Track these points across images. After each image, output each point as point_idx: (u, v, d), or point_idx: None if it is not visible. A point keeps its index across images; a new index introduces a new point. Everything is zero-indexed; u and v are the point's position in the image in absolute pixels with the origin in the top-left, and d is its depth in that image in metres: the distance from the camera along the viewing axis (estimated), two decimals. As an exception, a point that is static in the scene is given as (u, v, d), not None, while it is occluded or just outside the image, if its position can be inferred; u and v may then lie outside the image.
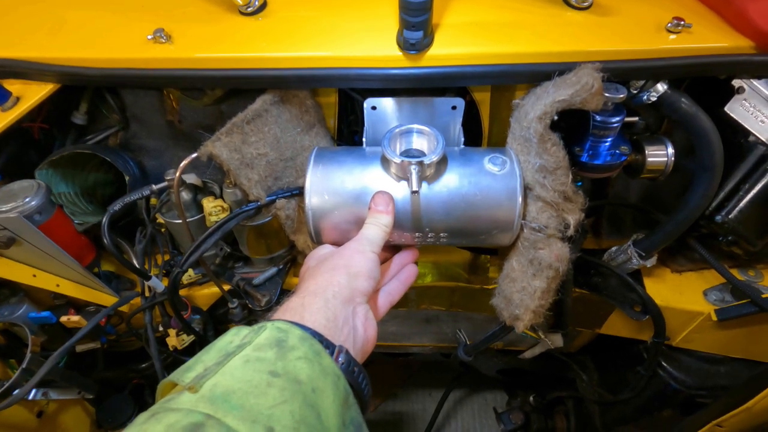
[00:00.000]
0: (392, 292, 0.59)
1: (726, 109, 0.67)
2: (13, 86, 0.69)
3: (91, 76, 0.66)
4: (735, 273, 0.80)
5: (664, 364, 0.86)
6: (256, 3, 0.67)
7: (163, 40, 0.65)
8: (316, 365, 0.37)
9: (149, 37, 0.64)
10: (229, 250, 0.81)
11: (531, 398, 1.33)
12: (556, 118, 0.53)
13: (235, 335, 0.39)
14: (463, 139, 0.66)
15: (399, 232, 0.59)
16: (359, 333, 0.47)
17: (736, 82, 0.65)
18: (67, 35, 0.69)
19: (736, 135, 0.70)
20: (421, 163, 0.53)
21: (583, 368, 1.09)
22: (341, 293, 0.47)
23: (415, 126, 0.57)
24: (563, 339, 0.85)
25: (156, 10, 0.70)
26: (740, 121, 0.68)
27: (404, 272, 0.61)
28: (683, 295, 0.79)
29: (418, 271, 0.63)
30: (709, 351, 0.84)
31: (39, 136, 0.82)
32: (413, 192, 0.52)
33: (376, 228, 0.54)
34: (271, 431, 0.31)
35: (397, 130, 0.56)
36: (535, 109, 0.54)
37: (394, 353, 1.26)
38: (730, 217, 0.69)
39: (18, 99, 0.69)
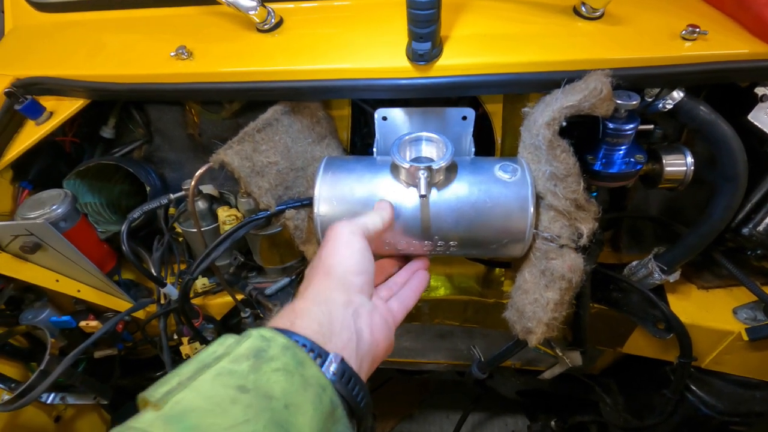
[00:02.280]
0: (404, 297, 0.56)
1: (749, 117, 0.64)
2: (47, 102, 0.74)
3: (117, 91, 0.70)
4: (767, 290, 0.75)
5: (694, 388, 0.81)
6: (273, 20, 0.69)
7: (185, 57, 0.68)
8: (296, 377, 0.34)
9: (172, 54, 0.68)
10: (242, 260, 0.82)
11: (552, 423, 1.27)
12: (564, 124, 0.52)
13: (219, 344, 0.36)
14: (473, 150, 0.66)
15: (408, 241, 0.59)
16: (364, 337, 0.43)
17: (760, 90, 0.63)
18: (97, 55, 0.73)
19: (762, 145, 0.67)
20: (429, 168, 0.53)
21: (606, 391, 1.04)
22: (335, 296, 0.44)
23: (424, 133, 0.57)
24: (582, 357, 0.82)
25: (179, 30, 0.74)
26: (765, 129, 0.65)
27: (415, 278, 0.59)
28: (710, 312, 0.75)
29: (429, 277, 0.60)
30: (743, 374, 0.79)
31: (70, 150, 0.87)
32: (422, 196, 0.52)
33: (374, 214, 0.52)
34: None
35: (406, 137, 0.57)
36: (543, 115, 0.53)
37: (408, 371, 1.24)
38: (758, 229, 0.66)
39: (51, 114, 0.74)
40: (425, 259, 0.63)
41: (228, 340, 0.37)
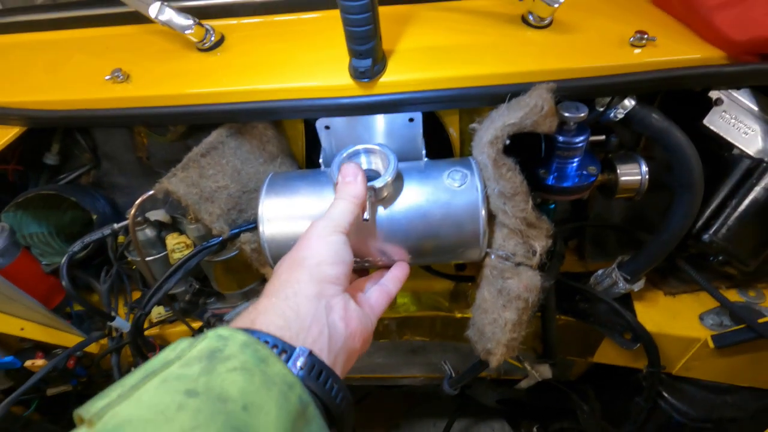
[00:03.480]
0: (387, 284, 0.53)
1: (705, 122, 0.63)
2: (-20, 131, 0.70)
3: (51, 118, 0.67)
4: (733, 294, 0.74)
5: (666, 395, 0.80)
6: (212, 38, 0.66)
7: (121, 79, 0.65)
8: (256, 376, 0.31)
9: (107, 77, 0.65)
10: (197, 287, 0.79)
11: (534, 429, 1.26)
12: (508, 142, 0.50)
13: (172, 350, 0.33)
14: (425, 152, 0.64)
15: (362, 255, 0.57)
16: (338, 330, 0.40)
17: (713, 94, 0.62)
18: (29, 79, 0.70)
19: (720, 148, 0.66)
20: (372, 188, 0.50)
21: (583, 398, 1.02)
22: (304, 289, 0.40)
23: (362, 146, 0.55)
24: (552, 369, 0.80)
25: (115, 51, 0.70)
26: (721, 133, 0.64)
27: (395, 268, 0.56)
28: (677, 320, 0.74)
29: (408, 267, 0.57)
30: (713, 379, 0.78)
31: (13, 178, 0.83)
32: (364, 220, 0.49)
33: (344, 203, 0.47)
34: None
35: (345, 153, 0.54)
36: (487, 134, 0.51)
37: (386, 386, 1.21)
38: (717, 235, 0.64)
39: (-15, 143, 0.70)
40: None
41: (182, 344, 0.33)
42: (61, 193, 0.73)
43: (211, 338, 0.33)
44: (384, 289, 0.52)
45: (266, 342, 0.34)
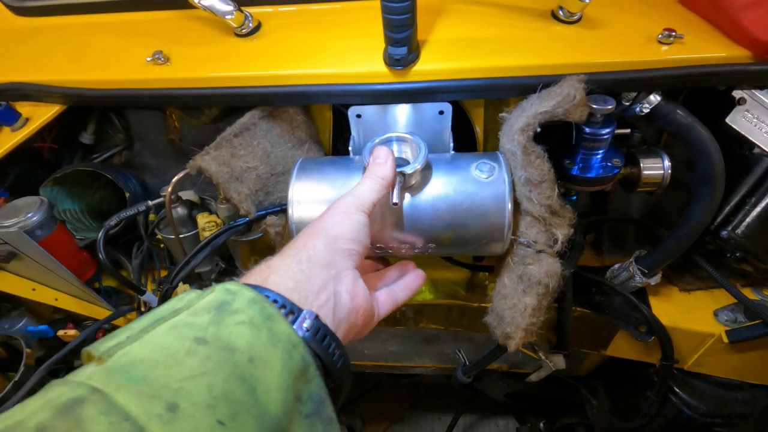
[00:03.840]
0: (397, 290, 0.54)
1: (727, 120, 0.64)
2: (23, 108, 0.73)
3: (93, 96, 0.69)
4: (748, 292, 0.75)
5: (677, 390, 0.81)
6: (250, 25, 0.69)
7: (161, 62, 0.67)
8: (263, 331, 0.32)
9: (148, 59, 0.67)
10: (224, 266, 0.81)
11: (541, 424, 1.27)
12: (539, 130, 0.52)
13: (179, 300, 0.33)
14: (452, 145, 0.66)
15: (385, 242, 0.59)
16: (343, 301, 0.41)
17: (737, 93, 0.63)
18: (73, 60, 0.72)
19: (741, 147, 0.68)
20: (402, 174, 0.52)
21: (593, 393, 1.04)
22: (318, 256, 0.41)
23: (395, 134, 0.56)
24: (566, 360, 0.82)
25: (157, 35, 0.73)
26: (743, 132, 0.65)
27: (411, 276, 0.56)
28: (692, 315, 0.75)
29: (425, 277, 0.57)
30: (725, 376, 0.79)
31: (49, 156, 0.86)
32: (394, 204, 0.51)
33: (371, 182, 0.48)
34: (174, 408, 0.26)
35: (377, 139, 0.56)
36: (519, 121, 0.53)
37: (397, 374, 1.23)
38: (736, 232, 0.66)
39: (27, 120, 0.73)
40: (411, 263, 0.61)
41: (189, 294, 0.34)
42: (98, 170, 0.76)
43: (219, 291, 0.34)
44: (393, 294, 0.53)
45: (275, 301, 0.35)
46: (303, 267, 0.39)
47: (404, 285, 0.55)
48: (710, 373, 0.78)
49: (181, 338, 0.30)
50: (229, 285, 0.35)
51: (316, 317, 0.36)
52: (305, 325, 0.35)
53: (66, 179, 0.80)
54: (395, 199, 0.51)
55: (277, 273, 0.38)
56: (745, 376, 0.78)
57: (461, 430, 1.57)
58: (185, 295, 0.34)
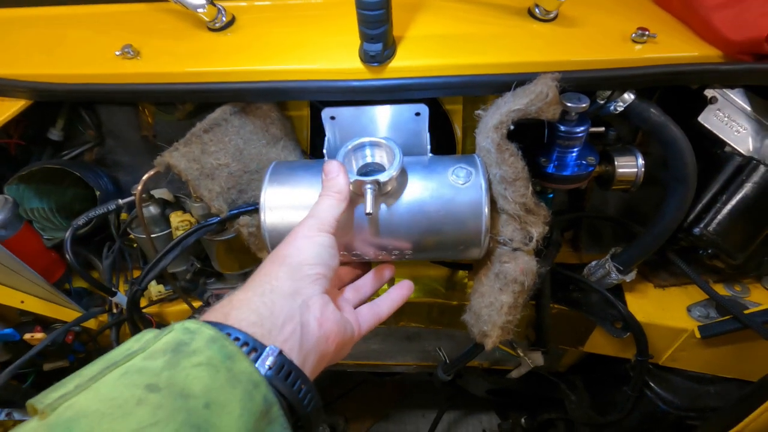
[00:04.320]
0: (381, 305, 0.53)
1: (699, 119, 0.66)
2: (-15, 103, 0.70)
3: (60, 91, 0.67)
4: (720, 288, 0.77)
5: (652, 384, 0.82)
6: (224, 19, 0.67)
7: (131, 56, 0.65)
8: (221, 372, 0.31)
9: (117, 52, 0.65)
10: (199, 266, 0.79)
11: (522, 420, 1.28)
12: (512, 127, 0.52)
13: (136, 340, 0.32)
14: (429, 147, 0.65)
15: (361, 249, 0.58)
16: (311, 330, 0.39)
17: (709, 92, 0.65)
18: (38, 53, 0.70)
19: (713, 146, 0.69)
20: (376, 182, 0.51)
21: (572, 388, 1.05)
22: (282, 286, 0.39)
23: (368, 139, 0.55)
24: (544, 357, 0.82)
25: (126, 28, 0.71)
26: (715, 131, 0.66)
27: (395, 289, 0.56)
28: (666, 311, 0.76)
29: (412, 288, 0.57)
30: (698, 370, 0.81)
31: (16, 153, 0.83)
32: (367, 214, 0.49)
33: (328, 199, 0.47)
34: None
35: (350, 146, 0.55)
36: (493, 118, 0.53)
37: (380, 373, 1.23)
38: (708, 229, 0.67)
39: (-11, 115, 0.70)
40: (390, 266, 0.60)
41: (147, 335, 0.33)
42: (66, 168, 0.73)
43: (177, 330, 0.33)
44: (375, 309, 0.52)
45: (236, 339, 0.34)
46: (266, 299, 0.38)
47: (389, 299, 0.55)
48: (684, 367, 0.80)
49: (131, 386, 0.28)
50: (189, 323, 0.33)
51: (280, 353, 0.35)
52: (268, 362, 0.34)
53: (33, 177, 0.77)
54: (368, 209, 0.50)
55: (239, 308, 0.37)
56: (717, 370, 0.79)
57: (445, 426, 1.58)
58: (143, 335, 0.33)
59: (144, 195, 0.72)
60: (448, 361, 0.88)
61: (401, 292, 0.56)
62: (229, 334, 0.34)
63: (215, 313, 0.37)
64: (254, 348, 0.34)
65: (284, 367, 0.35)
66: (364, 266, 0.62)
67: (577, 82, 0.58)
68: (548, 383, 1.07)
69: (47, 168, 0.76)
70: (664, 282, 0.80)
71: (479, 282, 0.63)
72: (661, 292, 0.80)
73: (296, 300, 0.40)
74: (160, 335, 0.32)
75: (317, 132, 0.76)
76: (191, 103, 0.74)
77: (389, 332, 1.01)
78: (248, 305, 0.37)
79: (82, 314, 0.74)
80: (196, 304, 0.80)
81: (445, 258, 0.64)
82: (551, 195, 0.68)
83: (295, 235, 0.45)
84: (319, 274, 0.43)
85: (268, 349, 0.35)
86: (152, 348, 0.31)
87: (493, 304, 0.60)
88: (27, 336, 0.72)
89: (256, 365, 0.33)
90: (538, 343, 0.82)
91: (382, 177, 0.51)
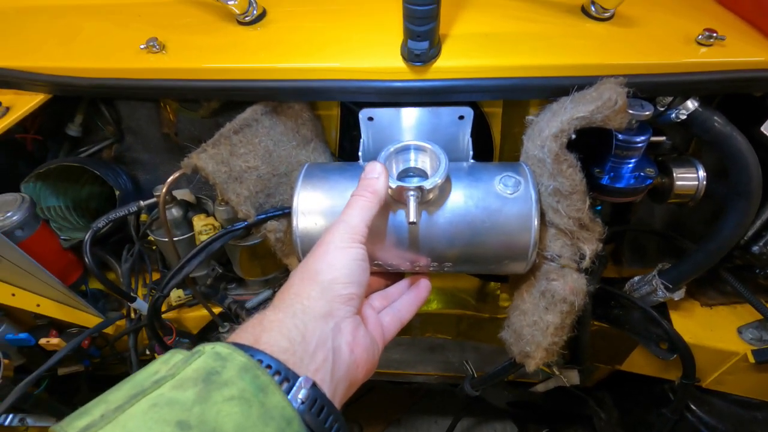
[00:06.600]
0: (401, 309, 0.50)
1: (763, 129, 0.60)
2: (4, 96, 0.67)
3: (81, 85, 0.64)
4: (774, 309, 0.72)
5: (694, 408, 0.78)
6: (255, 12, 0.63)
7: (156, 50, 0.61)
8: (255, 407, 0.29)
9: (142, 46, 0.62)
10: (220, 271, 0.76)
11: (543, 433, 1.24)
12: (573, 137, 0.48)
13: (164, 363, 0.31)
14: (472, 153, 0.61)
15: (398, 260, 0.54)
16: (343, 356, 0.38)
17: (774, 100, 0.60)
18: (59, 45, 0.66)
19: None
20: (419, 189, 0.47)
21: (600, 405, 1.00)
22: (314, 306, 0.38)
23: (413, 142, 0.51)
24: (580, 376, 0.78)
25: (151, 20, 0.67)
26: (779, 142, 0.61)
27: (414, 288, 0.53)
28: (715, 331, 0.72)
29: (430, 287, 0.54)
30: (745, 394, 0.76)
31: (32, 148, 0.80)
32: (411, 223, 0.46)
33: (361, 200, 0.44)
34: None
35: (392, 148, 0.51)
36: (550, 126, 0.49)
37: (398, 381, 1.19)
38: (768, 248, 0.62)
39: (8, 109, 0.67)
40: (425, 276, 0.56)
41: (175, 357, 0.31)
42: (85, 166, 0.70)
43: (207, 356, 0.31)
44: (397, 315, 0.50)
45: (268, 366, 0.32)
46: (297, 321, 0.36)
47: (407, 302, 0.52)
48: (730, 391, 0.75)
49: (161, 422, 0.26)
50: (219, 347, 0.32)
51: (313, 385, 0.33)
52: (300, 396, 0.32)
53: (50, 174, 0.74)
54: (412, 217, 0.46)
55: (270, 331, 0.35)
56: (765, 395, 0.75)
57: (459, 433, 1.55)
58: (171, 357, 0.31)
59: (167, 197, 0.68)
60: (475, 376, 0.84)
61: (419, 292, 0.53)
62: (260, 361, 0.32)
63: (245, 334, 0.35)
64: (286, 377, 0.33)
65: (317, 402, 0.33)
66: (394, 276, 0.58)
67: (639, 87, 0.53)
68: (574, 398, 1.03)
69: (64, 166, 0.73)
70: (712, 301, 0.75)
71: (521, 299, 0.59)
72: (708, 311, 0.75)
73: (328, 323, 0.38)
74: (189, 359, 0.31)
75: (345, 132, 0.72)
76: (217, 101, 0.70)
77: (412, 342, 0.98)
78: (279, 328, 0.36)
79: (101, 321, 0.71)
80: (216, 310, 0.77)
81: (486, 272, 0.60)
82: (599, 207, 0.63)
83: (326, 246, 0.42)
84: (353, 294, 0.40)
85: (301, 379, 0.33)
86: (181, 375, 0.30)
87: (538, 324, 0.56)
88: (42, 341, 0.69)
89: (289, 397, 0.32)
90: (573, 360, 0.78)
91: (427, 184, 0.47)
